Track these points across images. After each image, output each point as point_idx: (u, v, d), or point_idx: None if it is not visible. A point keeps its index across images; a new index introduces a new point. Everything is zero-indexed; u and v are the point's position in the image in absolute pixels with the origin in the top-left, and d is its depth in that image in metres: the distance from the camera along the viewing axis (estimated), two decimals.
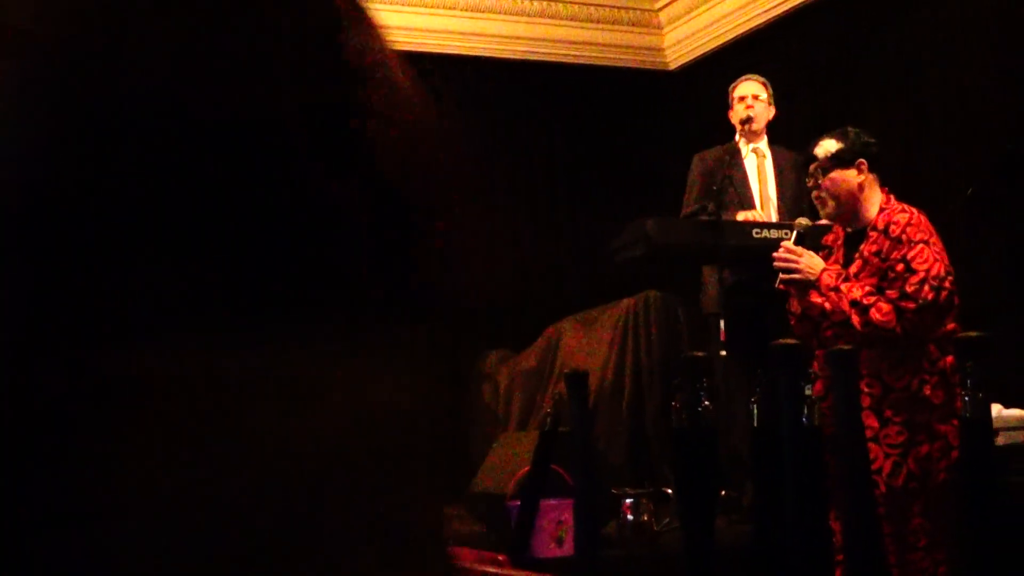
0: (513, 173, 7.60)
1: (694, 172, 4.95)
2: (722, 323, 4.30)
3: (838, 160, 3.42)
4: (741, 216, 4.65)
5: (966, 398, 2.68)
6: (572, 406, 3.46)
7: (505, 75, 7.37)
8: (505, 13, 7.25)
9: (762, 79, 5.00)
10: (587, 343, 6.02)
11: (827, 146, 3.46)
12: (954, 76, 5.48)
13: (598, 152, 7.79)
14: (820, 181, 3.46)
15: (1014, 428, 4.06)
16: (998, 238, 5.05)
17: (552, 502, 3.90)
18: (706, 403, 3.01)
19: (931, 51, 5.63)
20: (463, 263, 0.50)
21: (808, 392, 2.80)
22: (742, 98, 4.93)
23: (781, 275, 3.42)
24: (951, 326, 3.27)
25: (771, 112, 4.98)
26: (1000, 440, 3.97)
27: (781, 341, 2.87)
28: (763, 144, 4.96)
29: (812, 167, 3.48)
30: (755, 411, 3.00)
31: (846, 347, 2.92)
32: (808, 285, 3.37)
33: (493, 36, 7.19)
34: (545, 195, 7.62)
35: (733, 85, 5.03)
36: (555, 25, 7.40)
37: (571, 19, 7.43)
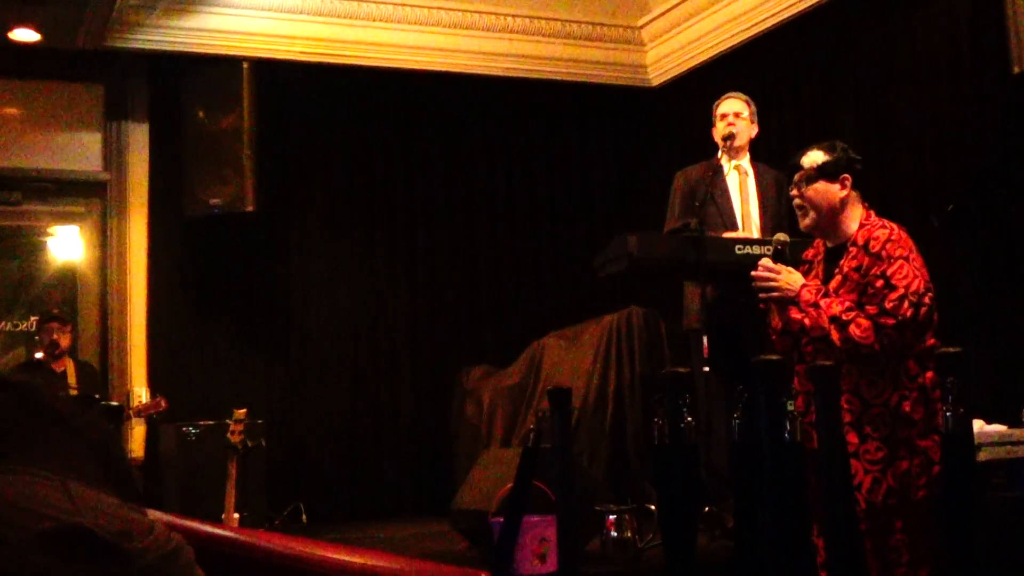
0: (496, 189, 7.62)
1: (676, 189, 4.97)
2: (704, 339, 4.31)
3: (823, 172, 3.44)
4: (726, 235, 4.67)
5: (947, 414, 2.69)
6: (554, 422, 3.46)
7: (488, 92, 7.39)
8: (488, 30, 7.27)
9: (745, 97, 5.04)
10: (570, 359, 6.02)
11: (814, 157, 3.48)
12: (930, 93, 5.53)
13: (581, 168, 7.83)
14: (803, 191, 3.48)
15: (996, 444, 4.08)
16: (977, 253, 5.09)
17: (535, 519, 3.90)
18: (688, 419, 3.02)
19: (908, 68, 5.68)
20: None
21: (790, 407, 2.81)
22: (724, 116, 4.97)
23: (761, 292, 3.44)
24: (931, 342, 3.29)
25: (753, 130, 5.01)
26: (982, 456, 3.99)
27: (763, 357, 2.88)
28: (745, 161, 4.99)
29: (797, 176, 3.50)
30: (736, 427, 3.00)
31: (826, 363, 2.92)
32: (788, 301, 3.38)
33: (476, 53, 7.21)
34: (528, 211, 7.64)
35: (716, 103, 5.07)
36: (537, 42, 7.42)
37: (554, 36, 7.47)
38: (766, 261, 3.47)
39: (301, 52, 6.80)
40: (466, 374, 6.85)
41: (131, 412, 5.78)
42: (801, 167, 3.48)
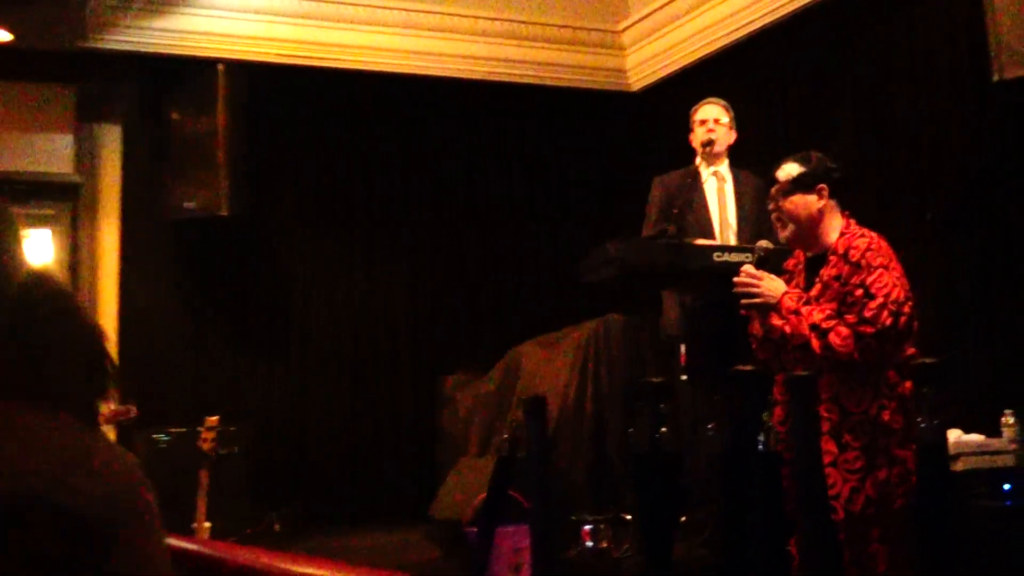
0: (475, 194, 7.60)
1: (654, 195, 4.97)
2: (682, 347, 4.31)
3: (799, 184, 3.46)
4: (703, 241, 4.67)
5: (922, 424, 2.70)
6: (530, 432, 3.45)
7: (467, 95, 7.38)
8: (467, 33, 7.27)
9: (723, 103, 5.05)
10: (549, 366, 6.02)
11: (789, 169, 3.49)
12: (919, 97, 5.52)
13: (561, 173, 7.82)
14: (780, 204, 3.49)
15: (974, 453, 4.10)
16: (973, 254, 5.11)
17: (509, 529, 3.89)
18: (664, 429, 3.02)
19: (896, 72, 5.66)
20: None
21: (765, 418, 2.81)
22: (703, 121, 4.98)
23: (743, 299, 3.44)
24: (910, 351, 3.30)
25: (732, 136, 5.03)
26: (960, 465, 4.01)
27: (740, 367, 2.88)
28: (724, 168, 5.00)
29: (773, 190, 3.52)
30: (712, 437, 3.00)
31: (803, 373, 2.93)
32: (769, 308, 3.39)
33: (455, 56, 7.20)
34: (507, 216, 7.63)
35: (694, 108, 5.07)
36: (517, 46, 7.42)
37: (533, 40, 7.47)
38: (749, 267, 3.48)
39: (277, 54, 6.78)
40: (445, 380, 6.83)
41: (101, 419, 5.72)
42: (777, 180, 3.50)
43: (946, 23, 5.36)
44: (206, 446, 4.37)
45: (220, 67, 6.52)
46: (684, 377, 4.35)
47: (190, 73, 6.55)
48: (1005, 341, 4.87)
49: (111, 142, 6.74)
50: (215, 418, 4.48)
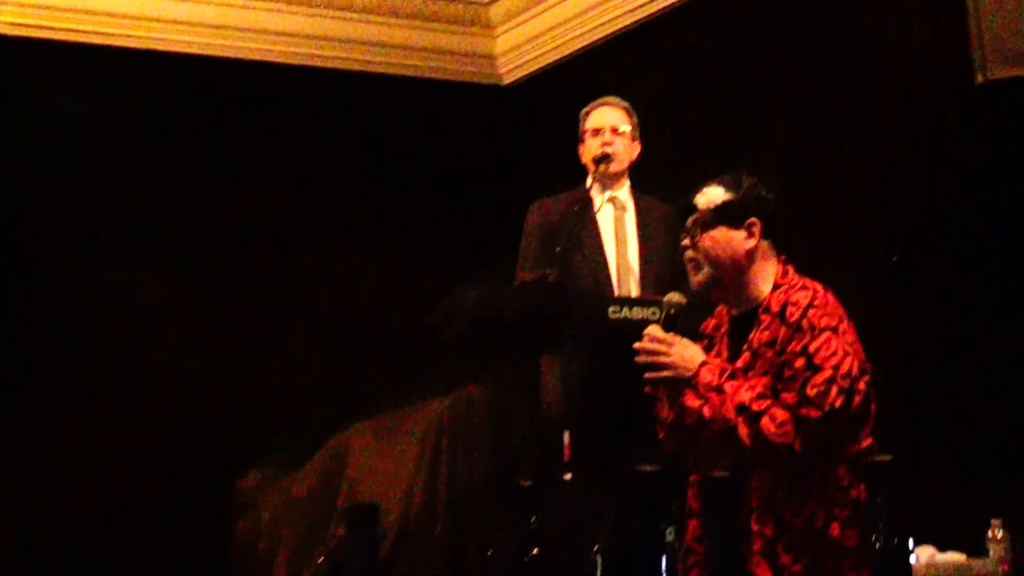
0: (291, 219, 7.52)
1: (531, 227, 4.98)
2: (566, 435, 4.30)
3: (724, 215, 3.50)
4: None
5: (876, 543, 2.72)
6: (356, 551, 3.40)
7: (276, 86, 7.36)
8: (282, 1, 7.25)
9: (625, 104, 5.09)
10: (385, 459, 5.96)
11: (711, 195, 3.53)
12: (880, 103, 5.62)
13: (407, 192, 7.79)
14: (697, 239, 3.52)
15: None
16: (935, 319, 5.21)
17: None
18: (535, 551, 2.99)
19: (846, 71, 5.77)
20: None
21: (670, 537, 2.81)
22: (597, 130, 5.00)
23: (646, 371, 3.45)
24: (867, 442, 3.35)
25: (636, 149, 5.06)
26: None
27: (641, 465, 2.88)
28: (623, 192, 5.03)
29: (689, 220, 3.54)
30: (599, 561, 3.00)
31: (726, 472, 2.95)
32: (682, 384, 3.41)
33: (258, 32, 7.20)
34: (328, 246, 7.56)
35: (585, 111, 5.10)
36: (346, 19, 7.41)
37: (369, 11, 7.46)
38: (654, 329, 3.49)
39: (50, 27, 6.70)
40: (240, 479, 6.70)
41: None
42: (694, 208, 3.52)
43: (911, 6, 5.49)
44: None
45: None
46: (568, 476, 4.34)
47: None
48: (990, 428, 4.95)
49: None
50: None
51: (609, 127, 4.99)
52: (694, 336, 3.58)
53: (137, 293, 7.12)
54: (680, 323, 3.54)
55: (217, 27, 7.14)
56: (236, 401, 7.24)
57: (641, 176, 5.11)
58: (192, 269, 7.26)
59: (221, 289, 7.31)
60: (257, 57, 7.26)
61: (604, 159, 4.91)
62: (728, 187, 3.53)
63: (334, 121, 7.61)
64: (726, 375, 3.39)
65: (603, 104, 5.08)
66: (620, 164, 4.99)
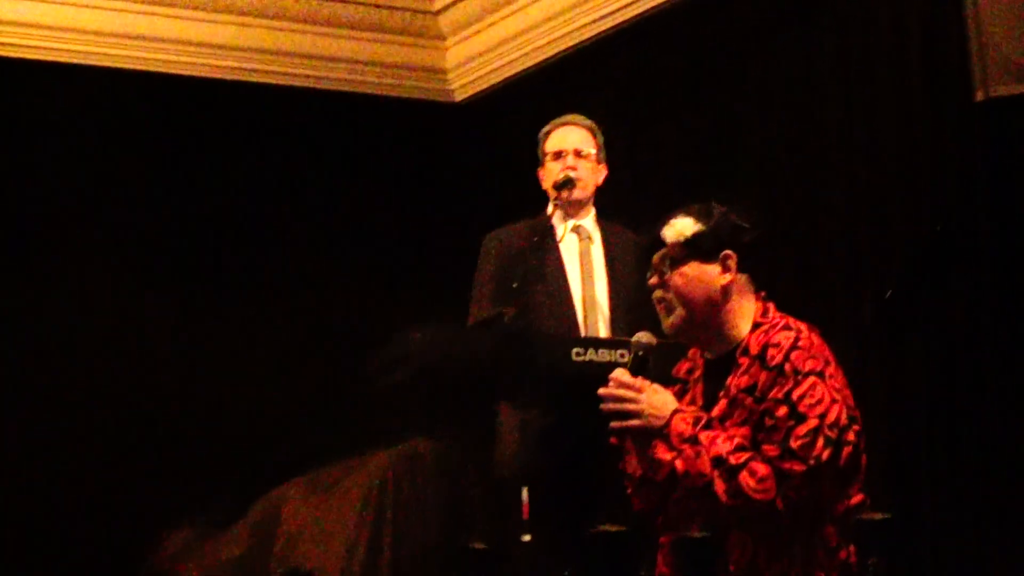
0: (215, 251, 7.49)
1: (486, 259, 4.97)
2: (524, 492, 4.29)
3: (695, 248, 3.50)
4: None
5: None
6: None
7: (207, 102, 7.36)
8: (202, 9, 7.24)
9: (589, 123, 5.09)
10: (323, 519, 5.93)
11: (680, 227, 3.53)
12: (866, 124, 5.64)
13: (347, 222, 7.78)
14: (667, 277, 3.52)
15: None
16: (928, 359, 5.21)
17: None
18: None
19: (829, 88, 5.81)
20: None
21: None
22: (559, 153, 4.99)
23: (613, 419, 3.45)
24: (857, 498, 3.35)
25: (601, 173, 5.06)
26: None
27: (607, 525, 2.88)
28: (589, 220, 5.04)
29: (657, 257, 3.54)
30: None
31: (698, 534, 2.95)
32: (652, 434, 3.40)
33: (184, 44, 7.19)
34: (260, 284, 7.54)
35: (545, 132, 5.09)
36: (280, 30, 7.42)
37: (306, 21, 7.47)
38: (621, 373, 3.49)
39: None
40: (161, 540, 6.65)
41: None
42: (661, 243, 3.52)
43: (897, 18, 5.50)
44: None
45: None
46: (526, 538, 4.33)
47: None
48: (994, 481, 4.95)
49: None
50: None
51: (572, 149, 4.99)
52: (666, 381, 3.58)
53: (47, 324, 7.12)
54: (650, 366, 3.54)
55: (134, 38, 7.13)
56: (154, 455, 7.19)
57: (606, 203, 5.11)
58: (116, 303, 7.25)
59: (137, 325, 7.29)
60: (184, 71, 7.28)
61: (566, 184, 4.89)
62: (698, 217, 3.53)
63: (264, 143, 7.60)
64: (701, 425, 3.38)
65: (565, 124, 5.08)
66: (585, 190, 4.98)
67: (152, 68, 7.20)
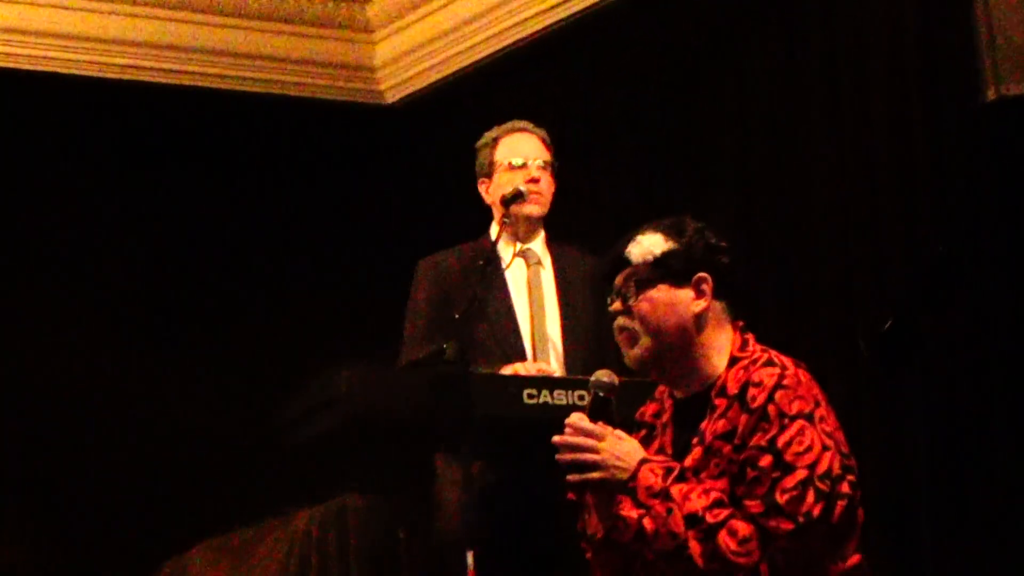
0: (123, 280, 7.49)
1: (420, 287, 4.98)
2: (469, 556, 4.29)
3: (665, 270, 3.49)
4: (507, 370, 4.69)
5: None
6: None
7: (112, 106, 7.37)
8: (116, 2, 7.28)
9: (541, 132, 5.07)
10: None
11: (649, 244, 3.51)
12: (855, 129, 5.68)
13: (262, 240, 7.78)
14: (631, 303, 3.51)
15: None
16: (931, 400, 5.25)
17: None
18: None
19: (813, 89, 5.85)
20: None
21: None
22: (516, 164, 4.96)
23: (570, 471, 3.45)
24: (853, 559, 3.36)
25: (552, 188, 5.04)
26: None
27: None
28: (538, 243, 5.03)
29: (620, 278, 3.53)
30: None
31: None
32: (616, 488, 3.40)
33: (88, 41, 7.21)
34: (162, 312, 7.54)
35: (492, 138, 5.07)
36: (190, 23, 7.44)
37: (211, 11, 7.48)
38: (579, 418, 3.48)
39: None
40: None
41: None
42: (626, 262, 3.51)
43: (891, 8, 5.55)
44: None
45: None
46: None
47: None
48: (1005, 537, 5.00)
49: None
50: None
51: (531, 159, 4.95)
52: (629, 426, 3.57)
53: None
54: (613, 409, 3.54)
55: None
56: (49, 520, 7.18)
57: (555, 223, 5.10)
58: None
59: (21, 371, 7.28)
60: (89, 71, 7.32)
61: (517, 198, 4.84)
62: (668, 234, 3.51)
63: (172, 150, 7.61)
64: (672, 477, 3.37)
65: (519, 131, 5.05)
66: (544, 207, 4.97)
67: (54, 69, 7.27)
